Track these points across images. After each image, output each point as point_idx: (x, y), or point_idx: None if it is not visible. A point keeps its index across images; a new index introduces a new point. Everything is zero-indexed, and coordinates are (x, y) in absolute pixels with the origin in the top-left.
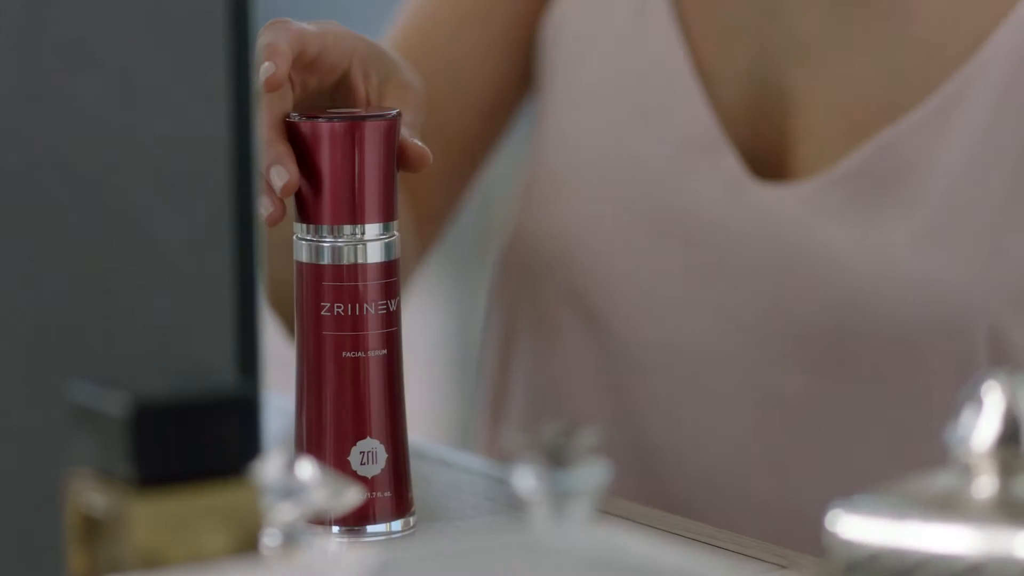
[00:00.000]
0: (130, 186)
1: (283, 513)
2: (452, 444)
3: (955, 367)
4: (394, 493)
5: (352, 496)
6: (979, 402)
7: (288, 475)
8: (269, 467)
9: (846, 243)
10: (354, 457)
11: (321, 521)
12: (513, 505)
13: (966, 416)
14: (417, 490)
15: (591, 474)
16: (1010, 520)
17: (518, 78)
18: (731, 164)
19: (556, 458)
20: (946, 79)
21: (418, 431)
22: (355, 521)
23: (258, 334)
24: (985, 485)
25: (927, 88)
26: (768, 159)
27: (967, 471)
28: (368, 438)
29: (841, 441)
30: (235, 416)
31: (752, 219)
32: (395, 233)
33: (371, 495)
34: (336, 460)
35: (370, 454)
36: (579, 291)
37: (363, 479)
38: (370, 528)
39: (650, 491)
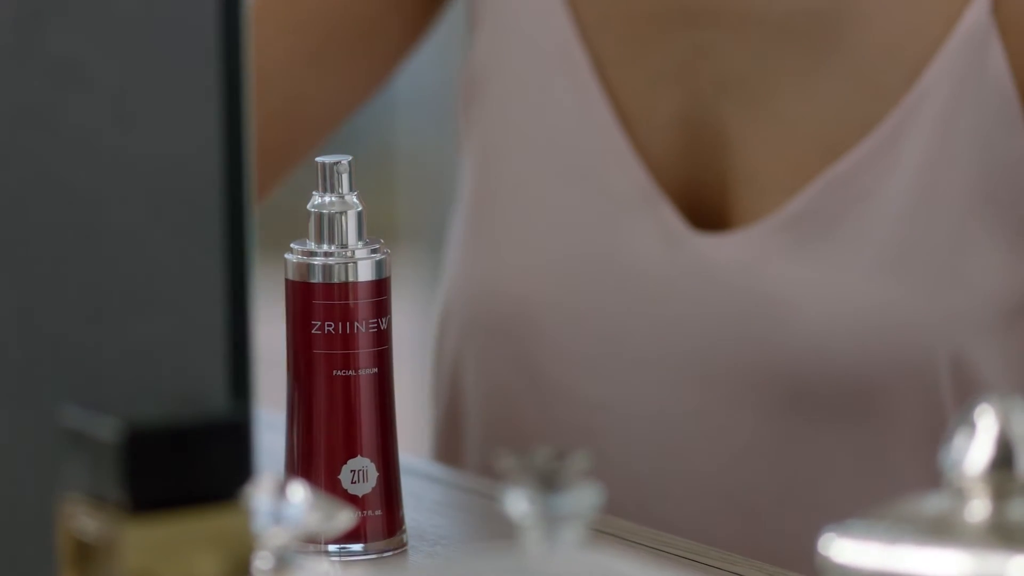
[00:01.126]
0: (122, 208)
1: (275, 537)
2: (441, 458)
3: (918, 401)
4: (385, 512)
5: (344, 519)
6: (972, 426)
7: (280, 499)
8: (260, 491)
9: (796, 286)
10: (345, 476)
11: (312, 541)
12: (503, 522)
13: (959, 440)
14: (407, 507)
15: (584, 498)
16: (1003, 544)
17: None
18: (667, 216)
19: (548, 482)
20: (887, 112)
21: (409, 447)
22: (346, 540)
23: (249, 357)
24: (978, 509)
25: (868, 122)
26: (707, 206)
27: (960, 495)
28: (359, 457)
29: (805, 484)
30: (227, 441)
31: (694, 270)
32: (386, 250)
33: (362, 514)
34: (327, 478)
35: (361, 472)
36: (521, 351)
37: (353, 498)
38: (361, 547)
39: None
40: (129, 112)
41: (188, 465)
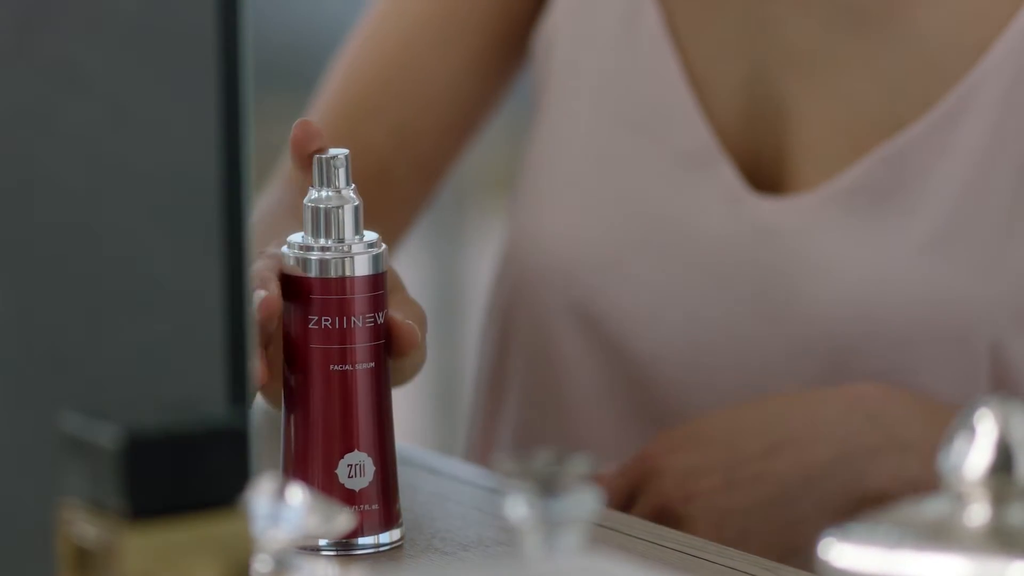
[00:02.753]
0: (120, 213)
1: (274, 540)
2: (438, 447)
3: (957, 380)
4: (381, 506)
5: (343, 521)
6: (971, 430)
7: (278, 502)
8: (259, 494)
9: (847, 256)
10: (342, 470)
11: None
12: (500, 516)
13: (959, 444)
14: (403, 499)
15: (583, 502)
16: (1003, 549)
17: (489, 99)
18: (728, 177)
19: (548, 486)
20: (946, 92)
21: (404, 436)
22: (343, 535)
23: (247, 363)
24: (978, 513)
25: (927, 101)
26: (766, 172)
27: (960, 499)
28: (356, 451)
29: None
30: (226, 447)
31: (751, 232)
32: (383, 245)
33: (359, 508)
34: (324, 473)
35: (358, 467)
36: (577, 304)
37: (351, 492)
38: (358, 541)
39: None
40: (128, 116)
41: (187, 472)
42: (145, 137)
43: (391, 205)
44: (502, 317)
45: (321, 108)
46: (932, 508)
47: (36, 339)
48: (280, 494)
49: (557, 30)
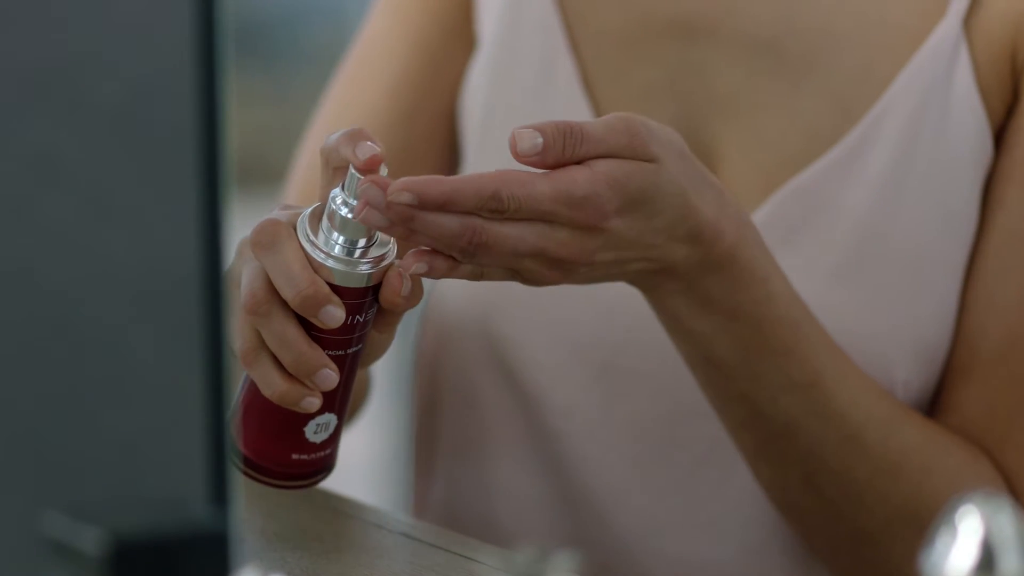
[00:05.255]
0: (99, 306)
1: None
2: (374, 489)
3: None
4: (331, 451)
5: None
6: (954, 528)
7: None
8: None
9: None
10: (310, 427)
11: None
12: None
13: (941, 542)
14: (349, 554)
15: None
16: None
17: (451, 168)
18: None
19: None
20: (853, 127)
21: (341, 475)
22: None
23: (228, 461)
24: None
25: (837, 138)
26: None
27: None
28: (326, 413)
29: (758, 492)
30: (208, 551)
31: None
32: (392, 252)
33: (315, 456)
34: (292, 430)
35: (324, 425)
36: (496, 355)
37: (312, 444)
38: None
39: (581, 551)
40: (107, 206)
41: (169, 575)
42: (124, 228)
43: None
44: (428, 371)
45: (294, 182)
46: None
47: (14, 433)
48: None
49: (477, 81)
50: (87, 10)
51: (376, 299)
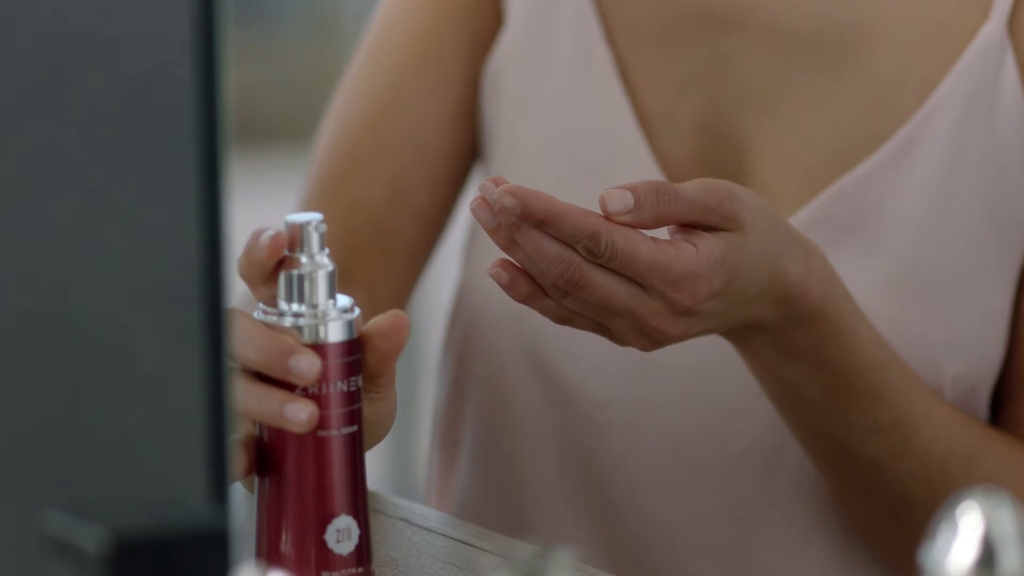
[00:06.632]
0: (99, 300)
1: None
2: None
3: None
4: (365, 569)
5: None
6: (954, 524)
7: None
8: None
9: None
10: (330, 535)
11: None
12: (463, 566)
13: (941, 538)
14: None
15: None
16: None
17: (476, 145)
18: None
19: None
20: (898, 128)
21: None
22: None
23: (228, 459)
24: None
25: (879, 138)
26: None
27: None
28: (343, 515)
29: (800, 491)
30: (208, 549)
31: None
32: (356, 310)
33: (347, 572)
34: (315, 539)
35: (345, 531)
36: (530, 347)
37: (339, 557)
38: None
39: (608, 545)
40: (106, 201)
41: (169, 574)
42: (124, 226)
43: (393, 261)
44: (456, 361)
45: (315, 166)
46: None
47: (14, 432)
48: None
49: (505, 65)
50: (86, 6)
51: (358, 361)
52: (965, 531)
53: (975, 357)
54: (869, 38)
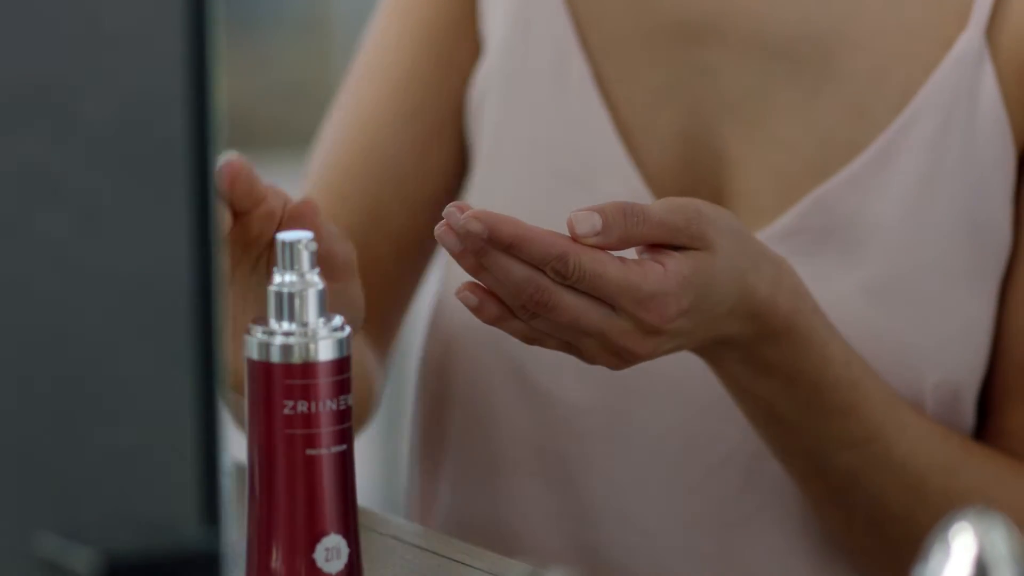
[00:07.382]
0: (91, 324)
1: None
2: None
3: None
4: None
5: None
6: (947, 545)
7: None
8: None
9: None
10: (319, 554)
11: None
12: None
13: (935, 560)
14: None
15: None
16: None
17: (457, 167)
18: None
19: None
20: (876, 136)
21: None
22: None
23: (220, 481)
24: None
25: (858, 146)
26: None
27: None
28: (332, 534)
29: (783, 497)
30: (200, 570)
31: None
32: (347, 329)
33: None
34: (303, 558)
35: (334, 550)
36: (510, 355)
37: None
38: None
39: (592, 552)
40: (98, 222)
41: None
42: (116, 244)
43: (371, 287)
44: (436, 374)
45: (304, 192)
46: None
47: (6, 453)
48: None
49: (489, 80)
50: (78, 25)
51: (348, 379)
52: (958, 553)
53: (955, 364)
54: (847, 47)
